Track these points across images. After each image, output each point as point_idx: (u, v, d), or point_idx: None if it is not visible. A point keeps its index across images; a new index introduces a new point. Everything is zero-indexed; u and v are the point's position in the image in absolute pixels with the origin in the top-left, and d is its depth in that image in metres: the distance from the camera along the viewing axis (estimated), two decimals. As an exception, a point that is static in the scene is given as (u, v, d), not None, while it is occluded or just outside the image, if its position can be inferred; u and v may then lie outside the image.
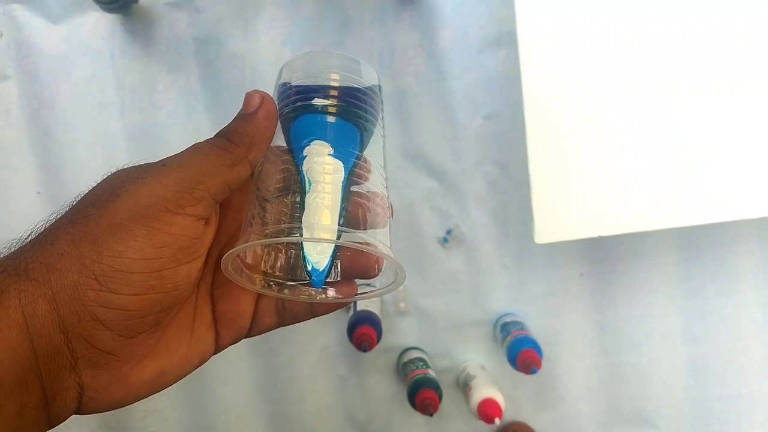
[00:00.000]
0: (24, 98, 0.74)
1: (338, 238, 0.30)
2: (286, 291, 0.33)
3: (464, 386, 0.74)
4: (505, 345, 0.71)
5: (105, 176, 0.30)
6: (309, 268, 0.31)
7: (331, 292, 0.33)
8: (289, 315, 0.34)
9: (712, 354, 0.77)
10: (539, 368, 0.67)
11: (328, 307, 0.34)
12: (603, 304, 0.77)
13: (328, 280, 0.32)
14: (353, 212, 0.31)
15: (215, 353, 0.33)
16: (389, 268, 0.32)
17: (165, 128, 0.75)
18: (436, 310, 0.78)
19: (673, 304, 0.76)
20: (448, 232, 0.76)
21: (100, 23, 0.73)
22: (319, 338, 0.78)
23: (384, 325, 0.71)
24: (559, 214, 0.61)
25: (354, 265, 0.32)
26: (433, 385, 0.70)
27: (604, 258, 0.76)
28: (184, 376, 0.32)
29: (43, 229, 0.28)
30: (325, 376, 0.79)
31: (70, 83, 0.74)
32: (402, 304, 0.77)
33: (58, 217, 0.29)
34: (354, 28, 0.72)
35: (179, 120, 0.75)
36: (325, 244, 0.31)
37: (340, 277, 0.33)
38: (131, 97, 0.74)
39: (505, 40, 0.71)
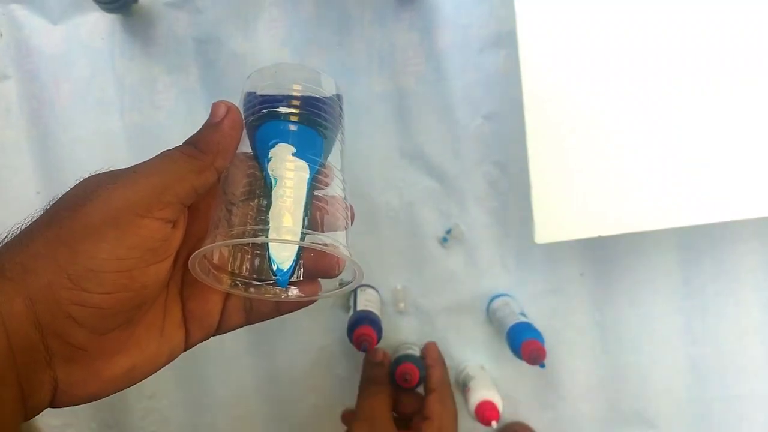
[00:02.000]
0: (24, 98, 0.74)
1: (301, 239, 0.32)
2: (252, 290, 0.35)
3: (463, 387, 0.74)
4: (505, 332, 0.70)
5: (78, 181, 0.32)
6: (274, 268, 0.33)
7: (294, 291, 0.35)
8: (255, 313, 0.36)
9: (712, 354, 0.77)
10: (545, 359, 0.66)
11: (292, 306, 0.36)
12: (603, 304, 0.77)
13: (292, 279, 0.34)
14: (315, 215, 0.33)
15: (185, 350, 0.35)
16: (350, 268, 0.34)
17: (165, 128, 0.75)
18: (436, 310, 0.78)
19: (673, 304, 0.76)
20: (448, 231, 0.76)
21: (100, 23, 0.73)
22: (318, 338, 0.78)
23: (384, 325, 0.71)
24: (559, 214, 0.61)
25: (316, 266, 0.35)
26: (413, 360, 0.70)
27: (604, 258, 0.76)
28: (154, 372, 0.33)
29: (18, 232, 0.30)
30: (324, 376, 0.79)
31: (70, 83, 0.74)
32: (402, 304, 0.77)
33: (34, 219, 0.31)
34: (354, 28, 0.72)
35: (179, 120, 0.75)
36: (289, 245, 0.32)
37: (304, 277, 0.35)
38: (131, 97, 0.74)
39: (505, 40, 0.71)
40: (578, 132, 0.60)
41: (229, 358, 0.79)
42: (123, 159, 0.75)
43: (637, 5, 0.58)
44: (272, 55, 0.73)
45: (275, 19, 0.73)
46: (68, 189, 0.31)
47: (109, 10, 0.71)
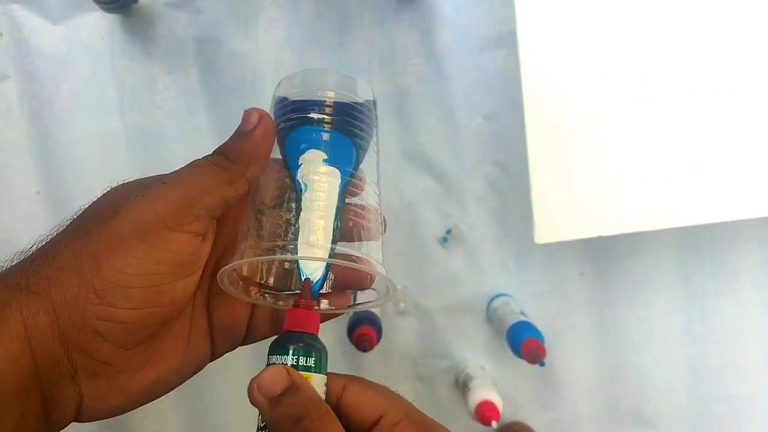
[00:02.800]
0: (24, 98, 0.74)
1: (332, 255, 0.31)
2: (281, 302, 0.34)
3: (463, 387, 0.74)
4: (505, 331, 0.70)
5: (106, 191, 0.30)
6: (303, 279, 0.32)
7: (324, 304, 0.34)
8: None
9: (712, 354, 0.77)
10: (544, 357, 0.66)
11: (322, 317, 0.34)
12: (603, 304, 0.77)
13: (322, 291, 0.33)
14: (347, 226, 0.32)
15: (211, 361, 0.34)
16: (381, 280, 0.33)
17: (165, 128, 0.75)
18: (436, 310, 0.78)
19: (673, 304, 0.76)
20: (448, 231, 0.76)
21: (100, 23, 0.73)
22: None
23: (384, 325, 0.71)
24: (559, 214, 0.61)
25: (347, 278, 0.33)
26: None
27: (604, 258, 0.76)
28: (180, 384, 0.33)
29: (44, 243, 0.29)
30: (325, 376, 0.79)
31: (70, 83, 0.74)
32: (402, 304, 0.77)
33: (60, 230, 0.30)
34: (354, 28, 0.72)
35: (179, 120, 0.75)
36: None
37: (334, 289, 0.34)
38: (131, 97, 0.74)
39: (505, 40, 0.71)
40: (578, 132, 0.60)
41: (229, 358, 0.78)
42: (123, 159, 0.75)
43: (637, 5, 0.58)
44: (272, 55, 0.73)
45: (275, 19, 0.73)
46: (95, 199, 0.30)
47: (109, 10, 0.71)
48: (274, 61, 0.73)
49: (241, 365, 0.79)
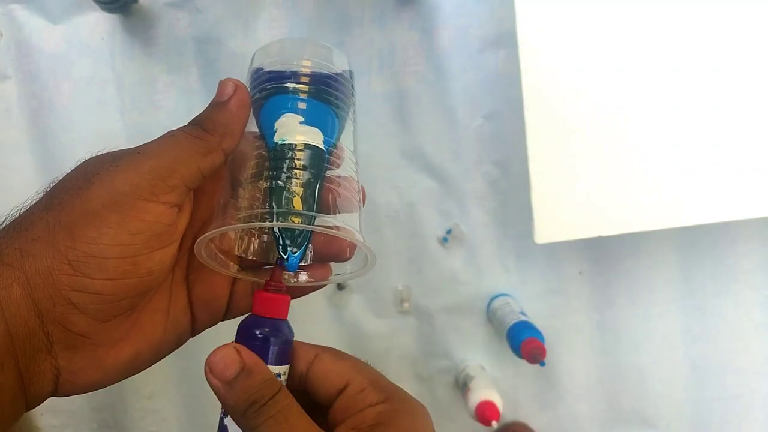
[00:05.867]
0: (24, 98, 0.74)
1: (311, 223, 0.30)
2: (261, 275, 0.33)
3: (463, 387, 0.74)
4: (505, 331, 0.70)
5: (79, 162, 0.30)
6: (283, 252, 0.31)
7: (304, 276, 0.33)
8: None
9: (712, 354, 0.77)
10: (544, 357, 0.66)
11: (302, 290, 0.34)
12: (603, 303, 0.77)
13: (302, 264, 0.32)
14: (326, 197, 0.31)
15: (192, 336, 0.34)
16: (361, 252, 0.32)
17: (165, 128, 0.73)
18: (436, 310, 0.78)
19: (673, 304, 0.76)
20: (448, 231, 0.76)
21: (100, 23, 0.73)
22: (318, 338, 0.78)
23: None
24: (559, 214, 0.61)
25: (327, 249, 0.33)
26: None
27: (604, 257, 0.76)
28: (160, 359, 0.32)
29: (17, 215, 0.29)
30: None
31: (70, 83, 0.74)
32: (406, 304, 0.77)
33: (33, 203, 0.29)
34: (354, 28, 0.72)
35: (179, 120, 0.74)
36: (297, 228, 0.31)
37: (314, 261, 0.33)
38: (131, 97, 0.74)
39: (505, 40, 0.71)
40: (578, 132, 0.60)
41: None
42: (123, 159, 0.75)
43: (637, 6, 0.58)
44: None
45: (275, 19, 0.73)
46: (68, 171, 0.30)
47: (109, 10, 0.71)
48: (274, 61, 0.73)
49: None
